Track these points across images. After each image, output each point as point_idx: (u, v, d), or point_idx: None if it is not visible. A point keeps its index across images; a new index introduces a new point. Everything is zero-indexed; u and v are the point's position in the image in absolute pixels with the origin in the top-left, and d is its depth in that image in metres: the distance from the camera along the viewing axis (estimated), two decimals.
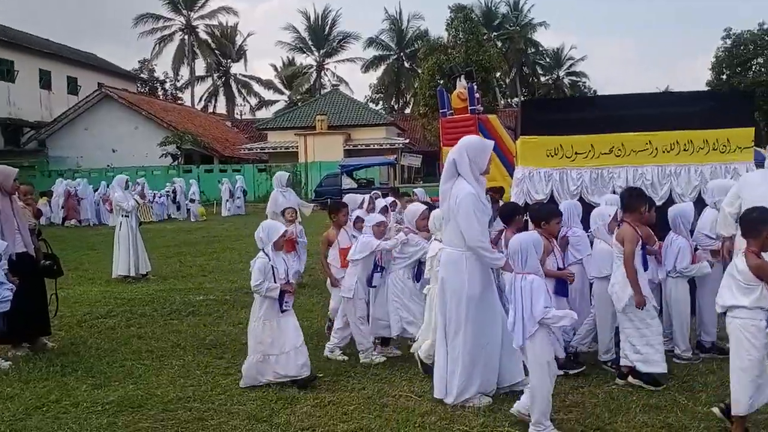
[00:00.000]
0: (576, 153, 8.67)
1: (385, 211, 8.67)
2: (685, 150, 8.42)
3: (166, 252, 16.91)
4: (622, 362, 5.98)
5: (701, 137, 8.36)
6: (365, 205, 8.12)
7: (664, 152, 8.46)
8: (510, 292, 5.02)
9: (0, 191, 7.12)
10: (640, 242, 5.94)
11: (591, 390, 5.78)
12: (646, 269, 6.08)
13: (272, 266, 6.10)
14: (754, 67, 46.29)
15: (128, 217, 12.36)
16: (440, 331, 5.74)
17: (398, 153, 42.04)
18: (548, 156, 8.74)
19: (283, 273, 6.26)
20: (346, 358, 7.00)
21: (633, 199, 6.13)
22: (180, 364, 6.93)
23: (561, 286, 6.20)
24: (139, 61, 69.18)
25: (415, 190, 12.29)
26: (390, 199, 9.38)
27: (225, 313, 9.36)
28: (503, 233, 6.92)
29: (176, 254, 16.48)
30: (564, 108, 9.66)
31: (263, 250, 6.20)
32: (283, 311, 6.17)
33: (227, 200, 30.89)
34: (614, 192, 8.34)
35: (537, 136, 8.89)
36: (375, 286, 7.02)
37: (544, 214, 6.40)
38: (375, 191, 10.08)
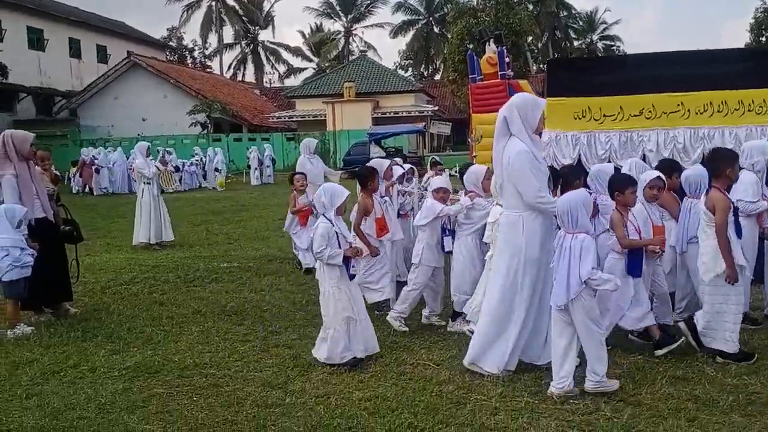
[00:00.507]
0: (604, 115, 8.41)
1: (402, 178, 8.49)
2: (719, 111, 8.11)
3: (194, 220, 16.97)
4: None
5: (736, 98, 8.03)
6: (383, 173, 7.91)
7: (696, 114, 8.16)
8: (557, 251, 4.98)
9: (17, 156, 7.10)
10: (732, 209, 5.55)
11: (616, 361, 5.58)
12: (740, 237, 5.64)
13: (336, 231, 5.80)
14: None
15: (150, 184, 12.29)
16: (496, 299, 5.44)
17: (427, 120, 41.59)
18: (575, 119, 8.50)
19: (351, 238, 6.09)
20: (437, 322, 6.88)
21: (719, 161, 5.66)
22: (199, 331, 6.91)
23: (634, 264, 5.57)
24: (167, 29, 69.42)
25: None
26: (408, 166, 9.20)
27: (248, 280, 9.33)
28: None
29: (203, 222, 16.53)
30: (592, 68, 9.37)
31: (324, 215, 5.87)
32: (351, 277, 5.88)
33: (256, 169, 30.86)
34: (644, 157, 8.09)
35: (564, 98, 8.64)
36: (450, 252, 6.74)
37: (620, 183, 5.72)
38: (395, 159, 9.91)
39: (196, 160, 30.82)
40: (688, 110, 8.20)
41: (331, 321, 5.72)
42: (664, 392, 4.92)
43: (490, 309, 5.49)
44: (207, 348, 6.32)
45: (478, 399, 4.91)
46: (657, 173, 6.01)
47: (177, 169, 28.46)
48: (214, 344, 6.43)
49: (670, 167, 6.53)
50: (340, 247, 5.74)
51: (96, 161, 27.66)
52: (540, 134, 5.54)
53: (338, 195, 5.88)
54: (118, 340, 6.64)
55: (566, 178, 6.07)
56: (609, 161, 7.96)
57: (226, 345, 6.39)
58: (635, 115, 8.32)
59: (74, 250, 7.96)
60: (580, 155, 8.35)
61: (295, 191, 9.80)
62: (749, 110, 8.03)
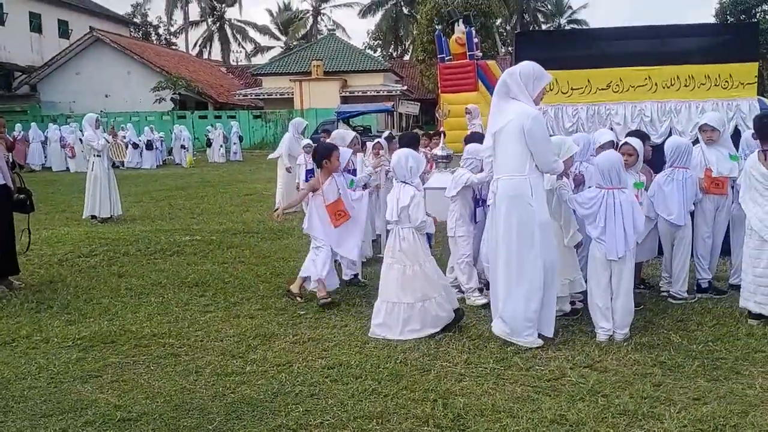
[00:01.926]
0: (572, 88, 8.37)
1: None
2: (685, 86, 8.12)
3: (157, 196, 16.66)
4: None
5: (702, 72, 8.04)
6: (348, 144, 7.78)
7: (663, 88, 8.16)
8: (602, 208, 5.25)
9: None
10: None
11: (581, 328, 5.58)
12: None
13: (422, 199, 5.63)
14: (757, 14, 45.31)
15: (100, 157, 11.91)
16: (503, 266, 5.24)
17: (396, 100, 41.36)
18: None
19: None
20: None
21: None
22: (159, 302, 6.72)
23: None
24: (131, 5, 67.75)
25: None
26: (377, 140, 9.10)
27: (210, 252, 9.13)
28: None
29: (167, 198, 16.22)
30: (560, 42, 9.28)
31: (408, 182, 5.60)
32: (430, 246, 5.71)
33: (220, 146, 30.40)
34: (611, 129, 8.05)
35: None
36: (477, 222, 6.53)
37: None
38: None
39: (162, 137, 30.24)
40: (656, 84, 8.19)
41: (431, 290, 5.52)
42: (630, 358, 4.89)
43: (510, 281, 5.19)
44: (166, 318, 6.14)
45: (444, 366, 4.84)
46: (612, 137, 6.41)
47: (135, 145, 27.83)
48: (173, 315, 6.26)
49: (641, 137, 6.49)
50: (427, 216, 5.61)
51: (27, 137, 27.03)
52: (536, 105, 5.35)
53: (422, 161, 5.75)
54: (74, 311, 6.43)
55: None
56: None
57: (186, 315, 6.23)
58: (603, 89, 8.29)
59: (26, 221, 7.69)
60: (547, 128, 8.29)
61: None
62: (715, 84, 8.05)
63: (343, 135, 8.08)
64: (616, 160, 5.36)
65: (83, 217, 12.15)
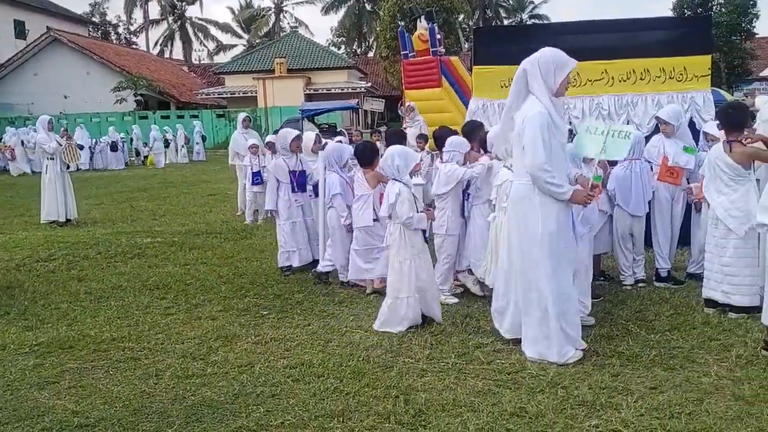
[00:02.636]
0: None
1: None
2: (641, 79, 8.24)
3: (119, 198, 16.42)
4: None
5: (658, 65, 8.16)
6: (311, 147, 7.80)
7: (620, 81, 8.28)
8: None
9: None
10: None
11: None
12: None
13: (413, 195, 5.60)
14: (714, 7, 46.14)
15: (53, 160, 11.63)
16: (503, 275, 5.19)
17: (360, 97, 41.29)
18: (502, 87, 8.46)
19: (422, 201, 5.87)
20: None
21: (736, 115, 5.65)
22: (119, 305, 6.63)
23: None
24: (89, 5, 66.54)
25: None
26: (338, 137, 9.08)
27: (172, 254, 9.02)
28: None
29: (128, 199, 16.00)
30: (519, 37, 9.37)
31: (398, 179, 5.60)
32: (426, 241, 5.67)
33: (182, 146, 30.04)
34: (570, 123, 8.14)
35: (491, 66, 8.64)
36: (466, 216, 6.47)
37: None
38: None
39: (123, 139, 29.80)
40: (612, 78, 8.31)
41: (403, 289, 5.54)
42: (588, 349, 4.95)
43: (530, 300, 4.85)
44: (126, 322, 6.06)
45: (406, 362, 4.85)
46: None
47: (81, 147, 27.28)
48: (133, 318, 6.17)
49: None
50: (417, 212, 5.56)
51: None
52: (560, 96, 4.90)
53: (412, 158, 5.68)
54: (32, 317, 6.31)
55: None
56: None
57: (146, 319, 6.15)
58: None
59: None
60: None
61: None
62: (670, 77, 8.18)
63: (285, 135, 7.96)
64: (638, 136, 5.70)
65: (41, 222, 11.88)
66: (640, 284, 6.67)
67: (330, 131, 29.16)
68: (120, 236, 10.49)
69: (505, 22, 68.40)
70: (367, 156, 6.85)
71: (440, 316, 5.72)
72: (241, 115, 13.11)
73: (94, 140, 28.46)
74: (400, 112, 14.31)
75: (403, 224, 5.53)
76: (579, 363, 4.71)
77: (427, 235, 5.71)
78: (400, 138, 7.63)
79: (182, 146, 30.04)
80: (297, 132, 8.10)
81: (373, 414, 4.04)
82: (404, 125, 13.79)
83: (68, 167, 12.34)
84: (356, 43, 65.06)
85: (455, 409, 4.06)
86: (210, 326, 5.83)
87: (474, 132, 6.79)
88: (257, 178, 11.09)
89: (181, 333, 5.69)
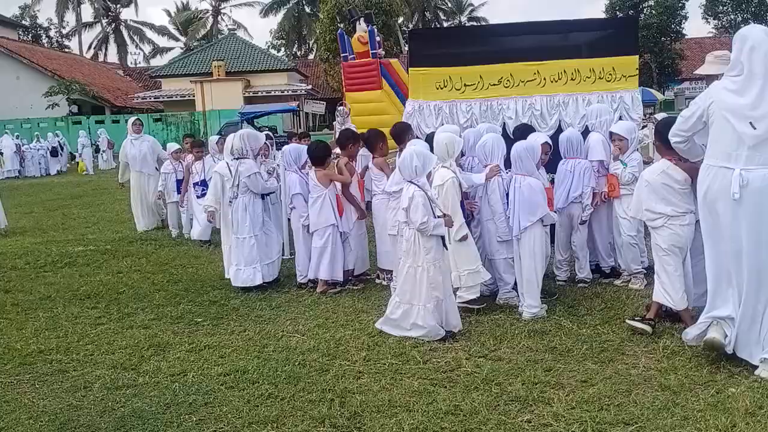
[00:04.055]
0: (465, 85, 8.49)
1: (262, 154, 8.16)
2: (572, 79, 8.36)
3: (50, 206, 15.93)
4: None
5: (587, 66, 8.30)
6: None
7: (552, 82, 8.37)
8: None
9: None
10: None
11: (477, 318, 5.69)
12: None
13: (430, 198, 5.32)
14: (645, 9, 47.58)
15: None
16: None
17: (301, 100, 41.07)
18: (438, 88, 8.53)
19: (440, 205, 5.52)
20: None
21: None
22: (47, 317, 6.41)
23: None
24: (19, 7, 64.38)
25: None
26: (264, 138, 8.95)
27: (105, 263, 8.78)
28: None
29: (60, 207, 15.54)
30: (453, 39, 9.47)
31: (414, 182, 5.33)
32: (446, 248, 5.40)
33: (104, 151, 29.30)
34: (504, 124, 8.26)
35: (426, 68, 8.66)
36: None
37: None
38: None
39: (49, 145, 28.91)
40: (544, 78, 8.41)
41: (417, 297, 5.28)
42: (522, 346, 5.03)
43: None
44: (54, 333, 5.87)
45: (342, 364, 4.83)
46: (546, 138, 6.42)
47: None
48: (62, 329, 5.98)
49: (527, 131, 6.71)
50: (434, 216, 5.27)
51: None
52: None
53: (431, 160, 5.40)
54: None
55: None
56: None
57: (76, 329, 5.96)
58: (494, 84, 8.44)
59: None
60: (442, 124, 8.41)
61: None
62: (600, 78, 8.33)
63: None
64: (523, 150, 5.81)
65: None
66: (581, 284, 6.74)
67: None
68: (50, 245, 10.17)
69: (444, 24, 69.09)
70: (319, 155, 6.89)
71: (458, 326, 5.41)
72: (131, 120, 11.61)
73: (21, 145, 27.46)
74: (336, 114, 14.27)
75: (418, 230, 5.27)
76: (512, 359, 4.77)
77: (446, 241, 5.43)
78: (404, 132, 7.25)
79: (103, 151, 29.28)
80: (264, 134, 8.11)
81: (308, 418, 4.01)
82: (346, 125, 13.78)
83: None
84: (296, 45, 64.71)
85: (390, 410, 4.06)
86: (142, 335, 5.70)
87: (403, 134, 6.86)
88: (180, 184, 10.09)
89: (111, 343, 5.54)
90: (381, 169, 7.02)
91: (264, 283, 7.01)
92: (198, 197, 9.48)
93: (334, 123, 13.96)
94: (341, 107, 14.55)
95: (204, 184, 9.35)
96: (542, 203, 5.72)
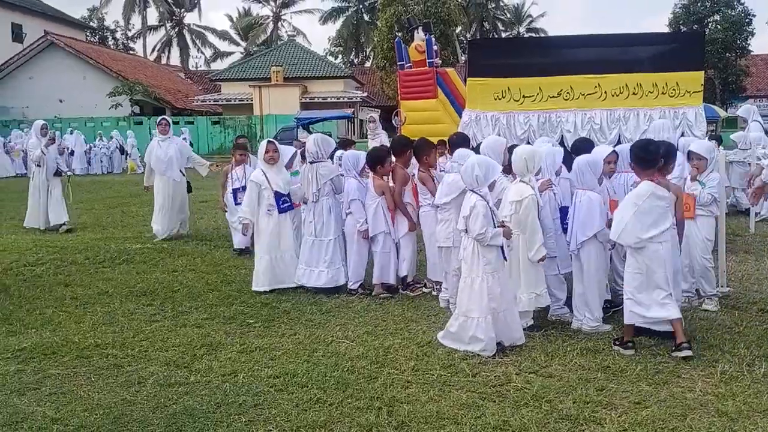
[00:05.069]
0: (524, 96, 8.47)
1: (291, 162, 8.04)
2: (634, 94, 8.27)
3: (110, 203, 16.36)
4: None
5: (650, 80, 8.19)
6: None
7: (613, 96, 8.30)
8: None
9: None
10: None
11: (528, 333, 5.60)
12: None
13: (491, 209, 5.29)
14: (710, 24, 46.49)
15: (40, 166, 11.44)
16: None
17: (356, 107, 41.41)
18: (496, 99, 8.52)
19: (500, 215, 5.46)
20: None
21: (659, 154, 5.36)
22: (105, 311, 6.58)
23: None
24: (87, 9, 66.61)
25: None
26: (292, 149, 8.91)
27: (161, 261, 8.97)
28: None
29: (120, 204, 15.93)
30: (513, 50, 9.43)
31: (476, 191, 5.29)
32: (505, 259, 5.31)
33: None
34: (562, 137, 8.17)
35: (485, 78, 8.65)
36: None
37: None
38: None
39: (117, 144, 29.78)
40: (605, 92, 8.33)
41: (475, 309, 5.20)
42: (574, 363, 4.94)
43: None
44: (111, 328, 6.01)
45: (391, 373, 4.82)
46: (611, 149, 6.21)
47: (72, 152, 27.30)
48: (118, 325, 6.13)
49: (585, 145, 6.59)
50: (494, 226, 5.20)
51: None
52: None
53: (493, 169, 5.33)
54: (16, 322, 6.26)
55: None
56: (528, 142, 7.98)
57: (131, 325, 6.10)
58: (554, 96, 8.40)
59: None
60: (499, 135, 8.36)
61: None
62: (663, 93, 8.21)
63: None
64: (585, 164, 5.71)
65: (24, 226, 11.80)
66: None
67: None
68: (109, 242, 10.44)
69: (503, 35, 68.73)
70: (376, 161, 7.00)
71: (521, 340, 5.33)
72: (159, 119, 10.88)
73: (89, 145, 28.46)
74: (394, 122, 14.31)
75: (476, 239, 5.21)
76: (563, 376, 4.69)
77: (506, 253, 5.37)
78: (465, 142, 7.20)
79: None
80: (293, 150, 8.11)
81: (356, 425, 4.01)
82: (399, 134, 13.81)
83: (60, 174, 11.92)
84: (353, 52, 65.24)
85: (438, 422, 4.04)
86: (195, 334, 5.79)
87: (462, 144, 6.82)
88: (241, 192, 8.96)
89: (165, 340, 5.65)
90: (423, 183, 6.99)
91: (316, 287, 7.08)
92: (238, 205, 8.79)
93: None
94: (396, 116, 14.59)
95: (245, 190, 8.44)
96: (599, 219, 5.61)
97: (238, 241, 9.20)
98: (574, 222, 5.72)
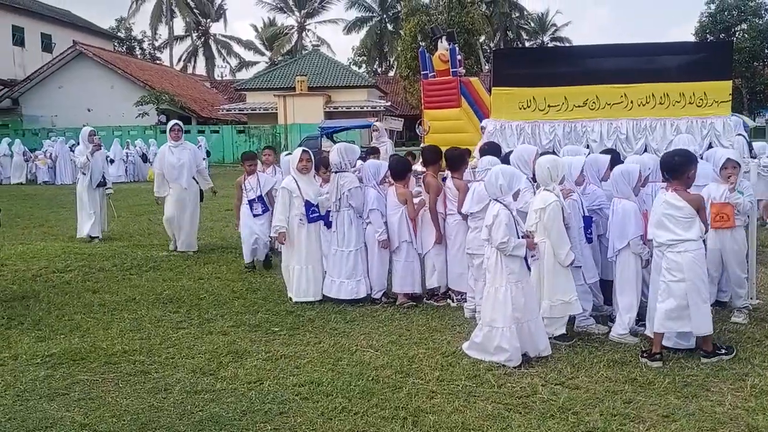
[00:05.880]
0: (549, 105, 8.40)
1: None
2: (660, 103, 8.17)
3: (137, 211, 16.56)
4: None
5: (677, 90, 8.09)
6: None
7: (639, 105, 8.20)
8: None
9: None
10: None
11: (554, 345, 5.56)
12: None
13: (515, 218, 5.28)
14: (737, 33, 46.05)
15: (85, 174, 11.36)
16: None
17: (380, 116, 41.48)
18: (521, 108, 8.47)
19: (524, 225, 5.46)
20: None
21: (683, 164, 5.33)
22: (132, 318, 6.65)
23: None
24: (115, 20, 67.66)
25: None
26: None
27: (187, 268, 9.05)
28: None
29: (146, 212, 16.11)
30: (538, 59, 9.38)
31: (500, 200, 5.29)
32: (529, 269, 5.32)
33: None
34: (587, 146, 8.11)
35: (510, 88, 8.61)
36: None
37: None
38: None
39: (139, 152, 30.17)
40: (631, 102, 8.24)
41: (499, 319, 5.17)
42: (601, 375, 4.90)
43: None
44: (138, 335, 6.08)
45: (416, 383, 4.82)
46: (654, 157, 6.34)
47: (112, 161, 27.80)
48: (145, 331, 6.19)
49: (613, 155, 6.57)
50: (518, 236, 5.20)
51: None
52: None
53: (517, 179, 5.34)
54: (45, 327, 6.35)
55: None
56: (553, 151, 7.94)
57: (158, 332, 6.16)
58: (579, 106, 8.33)
59: None
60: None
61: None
62: (690, 102, 8.10)
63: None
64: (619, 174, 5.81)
65: (78, 237, 11.61)
66: None
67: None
68: (136, 249, 10.56)
69: (527, 44, 68.58)
70: (399, 170, 7.06)
71: (546, 351, 5.29)
72: (171, 123, 10.48)
73: (126, 153, 29.11)
74: (418, 131, 14.36)
75: (498, 248, 5.20)
76: (590, 388, 4.65)
77: (529, 263, 5.37)
78: (495, 151, 7.15)
79: None
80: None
81: None
82: (422, 144, 13.84)
83: (103, 185, 11.62)
84: (377, 62, 65.52)
85: None
86: (221, 341, 5.84)
87: (494, 153, 6.79)
88: (263, 205, 8.94)
89: (192, 347, 5.70)
90: (459, 190, 6.95)
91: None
92: (256, 216, 8.85)
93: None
94: (419, 126, 14.62)
95: (261, 200, 8.91)
96: (634, 227, 5.58)
97: (249, 254, 8.94)
98: (611, 230, 5.78)
